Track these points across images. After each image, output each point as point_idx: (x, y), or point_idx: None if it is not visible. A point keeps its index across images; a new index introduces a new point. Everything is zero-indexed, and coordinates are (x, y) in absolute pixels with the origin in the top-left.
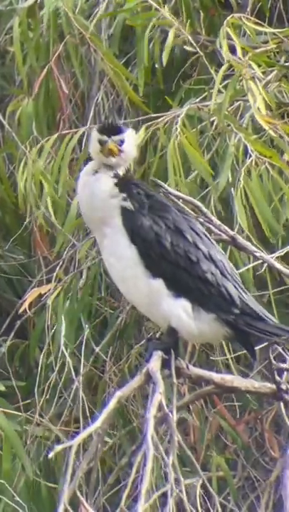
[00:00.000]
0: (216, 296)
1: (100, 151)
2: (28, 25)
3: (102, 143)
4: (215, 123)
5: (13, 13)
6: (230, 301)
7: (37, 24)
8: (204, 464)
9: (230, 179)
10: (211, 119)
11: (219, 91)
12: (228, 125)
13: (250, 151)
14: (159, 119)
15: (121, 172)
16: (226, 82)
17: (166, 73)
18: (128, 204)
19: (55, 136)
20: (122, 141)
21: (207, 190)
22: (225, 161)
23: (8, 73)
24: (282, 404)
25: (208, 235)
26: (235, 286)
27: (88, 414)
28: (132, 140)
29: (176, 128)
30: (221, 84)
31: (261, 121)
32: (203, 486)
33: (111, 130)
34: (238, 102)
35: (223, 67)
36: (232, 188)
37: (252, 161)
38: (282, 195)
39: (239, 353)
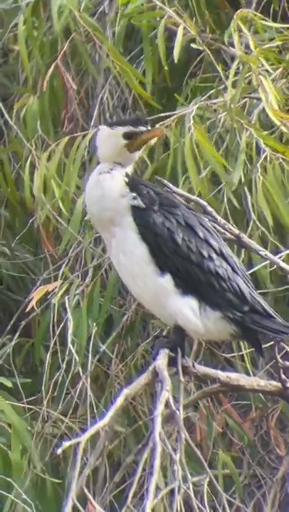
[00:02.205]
0: (227, 292)
1: (125, 146)
2: (32, 23)
3: (132, 136)
4: (222, 121)
5: (17, 11)
6: (241, 297)
7: (41, 22)
8: (209, 461)
9: (242, 177)
10: (219, 116)
11: (226, 87)
12: (239, 121)
13: (263, 148)
14: (170, 118)
15: (130, 171)
16: (232, 79)
17: (170, 71)
18: (139, 202)
19: (66, 139)
20: None
21: (219, 187)
22: (238, 158)
23: (11, 71)
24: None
25: (217, 232)
26: (245, 283)
27: (96, 412)
28: None
29: (190, 126)
30: (228, 80)
31: (273, 116)
32: (209, 484)
33: (144, 121)
34: (245, 100)
35: (236, 61)
36: (245, 186)
37: (266, 157)
38: None
39: (244, 352)
